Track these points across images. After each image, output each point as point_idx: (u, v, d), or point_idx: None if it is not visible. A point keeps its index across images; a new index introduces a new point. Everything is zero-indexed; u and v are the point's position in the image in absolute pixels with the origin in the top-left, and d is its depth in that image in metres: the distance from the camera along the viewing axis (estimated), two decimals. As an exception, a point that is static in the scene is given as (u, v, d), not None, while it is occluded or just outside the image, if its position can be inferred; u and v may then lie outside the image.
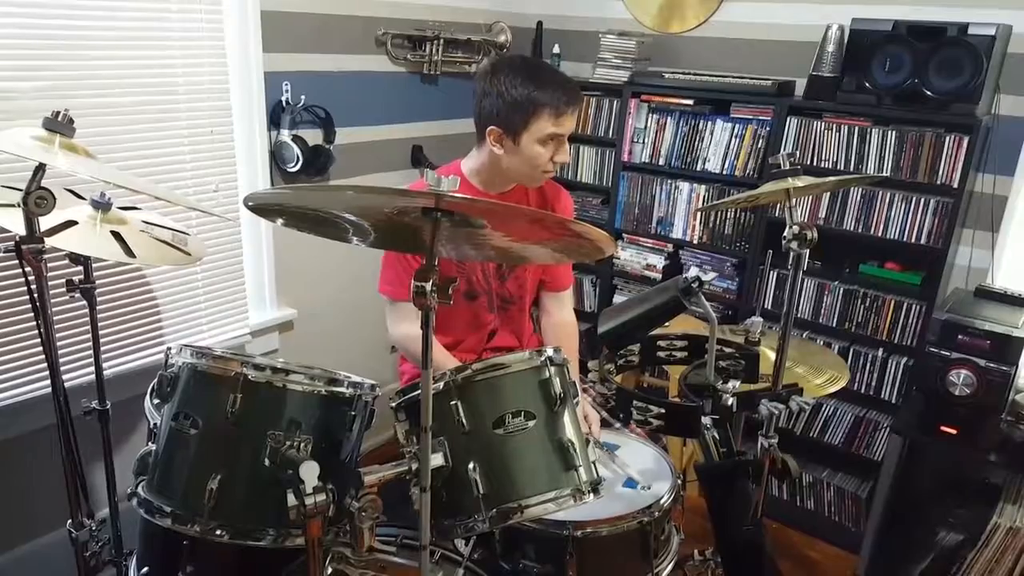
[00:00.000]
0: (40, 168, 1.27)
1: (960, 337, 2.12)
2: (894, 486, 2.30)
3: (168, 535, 1.30)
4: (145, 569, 1.46)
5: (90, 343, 1.77)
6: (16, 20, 1.75)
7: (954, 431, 2.17)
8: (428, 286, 0.99)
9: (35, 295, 1.39)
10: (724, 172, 2.73)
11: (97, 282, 1.70)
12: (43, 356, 1.43)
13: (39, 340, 1.44)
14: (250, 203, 1.09)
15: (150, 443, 1.36)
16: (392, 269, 1.80)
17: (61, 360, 1.51)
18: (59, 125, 1.32)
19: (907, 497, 2.39)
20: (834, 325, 2.59)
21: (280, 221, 1.22)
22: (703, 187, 2.81)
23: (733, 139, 2.70)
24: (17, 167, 1.75)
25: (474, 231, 1.07)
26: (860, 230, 2.50)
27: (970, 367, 2.10)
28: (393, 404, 1.29)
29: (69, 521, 1.61)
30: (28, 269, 1.32)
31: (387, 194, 1.01)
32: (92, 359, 1.79)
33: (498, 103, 1.64)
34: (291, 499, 1.09)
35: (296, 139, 2.39)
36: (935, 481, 2.48)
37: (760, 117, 2.65)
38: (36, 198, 1.25)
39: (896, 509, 2.34)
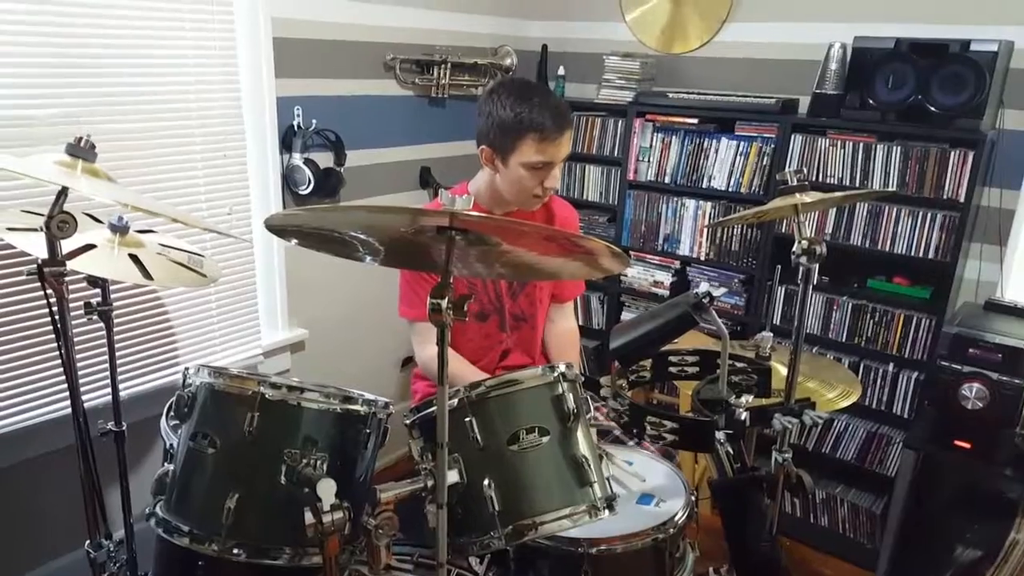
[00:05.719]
0: (63, 192, 1.29)
1: (971, 351, 2.12)
2: (909, 502, 2.28)
3: (183, 555, 1.31)
4: (161, 590, 1.46)
5: (105, 364, 1.79)
6: (34, 49, 1.80)
7: (968, 445, 2.15)
8: (444, 303, 1.00)
9: (56, 318, 1.40)
10: (729, 189, 2.75)
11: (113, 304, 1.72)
12: (60, 378, 1.44)
13: (58, 362, 1.46)
14: (269, 224, 1.11)
15: (166, 463, 1.37)
16: (410, 290, 1.82)
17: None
18: (81, 151, 1.35)
19: (922, 513, 2.36)
20: (843, 340, 2.59)
21: (295, 241, 1.25)
22: (709, 204, 2.82)
23: (738, 157, 2.73)
24: (34, 192, 1.78)
25: (486, 249, 1.08)
26: (867, 245, 2.51)
27: (982, 380, 2.09)
28: (407, 421, 1.30)
29: (87, 542, 1.61)
30: (50, 292, 1.34)
31: (403, 213, 1.03)
32: (107, 380, 1.80)
33: (489, 123, 1.67)
34: (308, 517, 1.09)
35: (308, 162, 2.42)
36: (950, 496, 2.45)
37: (764, 135, 2.67)
38: (59, 222, 1.27)
39: (911, 525, 2.32)
